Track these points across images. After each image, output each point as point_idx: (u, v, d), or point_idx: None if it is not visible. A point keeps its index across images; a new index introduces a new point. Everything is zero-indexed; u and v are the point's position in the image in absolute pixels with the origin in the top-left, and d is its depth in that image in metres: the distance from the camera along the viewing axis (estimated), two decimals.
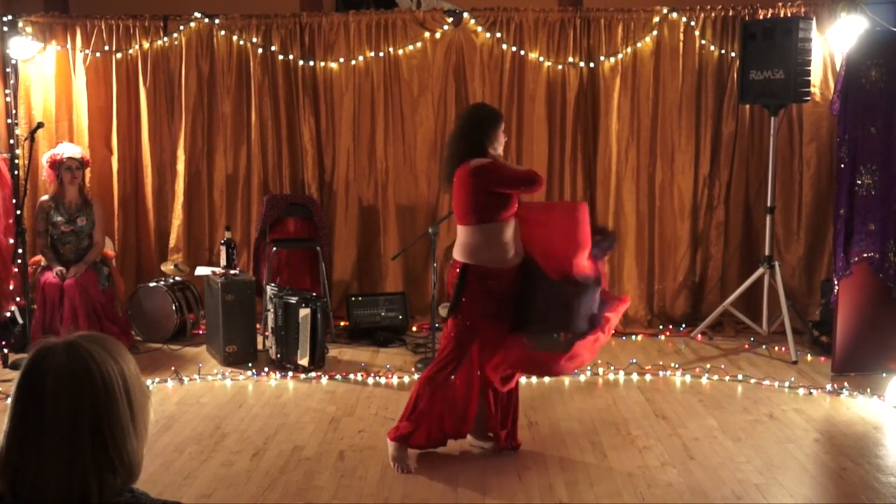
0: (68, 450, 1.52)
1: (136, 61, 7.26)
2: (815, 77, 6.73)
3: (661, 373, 6.00)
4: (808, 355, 6.42)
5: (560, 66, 7.13)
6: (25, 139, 6.54)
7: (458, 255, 4.33)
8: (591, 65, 7.12)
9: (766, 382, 5.77)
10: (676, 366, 6.13)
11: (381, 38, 7.18)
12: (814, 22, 6.47)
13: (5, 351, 6.24)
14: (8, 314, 6.59)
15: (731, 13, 7.03)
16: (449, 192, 4.67)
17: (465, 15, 7.13)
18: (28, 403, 1.55)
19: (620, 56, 7.09)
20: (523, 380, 5.83)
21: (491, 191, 4.20)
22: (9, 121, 6.73)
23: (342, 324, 7.17)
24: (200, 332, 6.98)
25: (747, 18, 6.92)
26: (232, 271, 6.41)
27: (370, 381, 5.85)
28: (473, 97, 7.09)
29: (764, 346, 6.63)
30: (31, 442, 1.53)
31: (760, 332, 6.78)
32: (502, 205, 4.22)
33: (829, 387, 5.64)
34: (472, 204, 4.22)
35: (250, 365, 6.14)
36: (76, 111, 7.23)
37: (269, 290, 6.33)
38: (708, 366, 6.14)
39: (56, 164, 6.43)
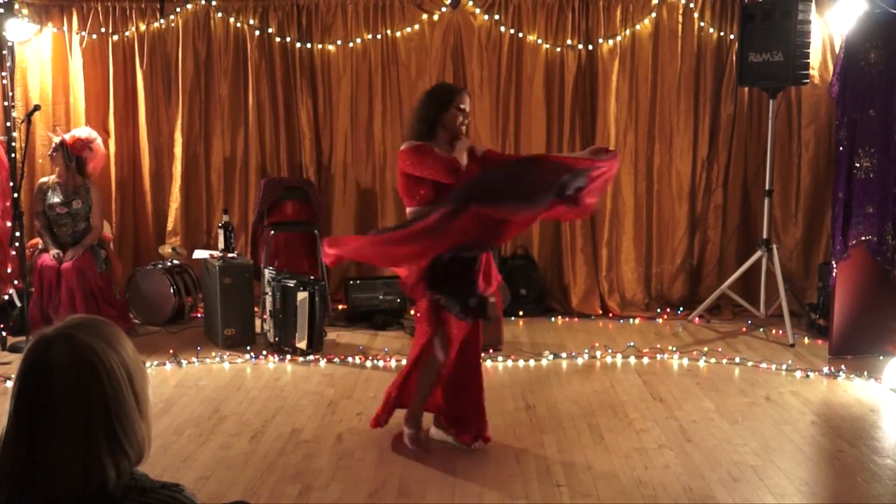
0: (83, 444, 1.56)
1: (133, 43, 7.23)
2: (814, 59, 6.71)
3: (658, 355, 6.01)
4: (806, 338, 6.42)
5: (558, 49, 7.10)
6: (22, 122, 6.50)
7: None
8: (590, 47, 7.09)
9: (763, 365, 5.79)
10: (674, 349, 6.14)
11: (379, 19, 7.14)
12: (813, 3, 6.42)
13: (4, 334, 6.25)
14: (6, 297, 6.58)
15: None
16: None
17: None
18: (34, 403, 1.57)
19: (619, 38, 7.06)
20: (521, 363, 5.86)
21: (408, 174, 4.19)
22: (5, 103, 6.68)
23: (340, 307, 7.18)
24: (198, 315, 6.99)
25: (746, 0, 6.89)
26: (230, 254, 6.41)
27: (368, 364, 5.85)
28: (471, 80, 7.07)
29: (761, 329, 6.64)
30: (41, 440, 1.57)
31: (758, 315, 6.79)
32: (417, 190, 4.20)
33: (825, 369, 5.65)
34: (400, 186, 4.32)
35: (248, 348, 6.14)
36: (73, 93, 7.20)
37: (267, 273, 6.33)
38: (705, 349, 6.15)
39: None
